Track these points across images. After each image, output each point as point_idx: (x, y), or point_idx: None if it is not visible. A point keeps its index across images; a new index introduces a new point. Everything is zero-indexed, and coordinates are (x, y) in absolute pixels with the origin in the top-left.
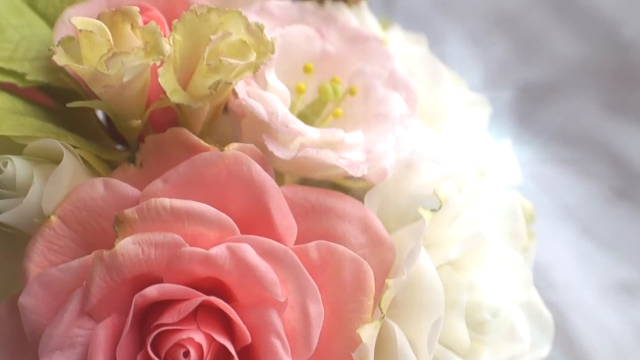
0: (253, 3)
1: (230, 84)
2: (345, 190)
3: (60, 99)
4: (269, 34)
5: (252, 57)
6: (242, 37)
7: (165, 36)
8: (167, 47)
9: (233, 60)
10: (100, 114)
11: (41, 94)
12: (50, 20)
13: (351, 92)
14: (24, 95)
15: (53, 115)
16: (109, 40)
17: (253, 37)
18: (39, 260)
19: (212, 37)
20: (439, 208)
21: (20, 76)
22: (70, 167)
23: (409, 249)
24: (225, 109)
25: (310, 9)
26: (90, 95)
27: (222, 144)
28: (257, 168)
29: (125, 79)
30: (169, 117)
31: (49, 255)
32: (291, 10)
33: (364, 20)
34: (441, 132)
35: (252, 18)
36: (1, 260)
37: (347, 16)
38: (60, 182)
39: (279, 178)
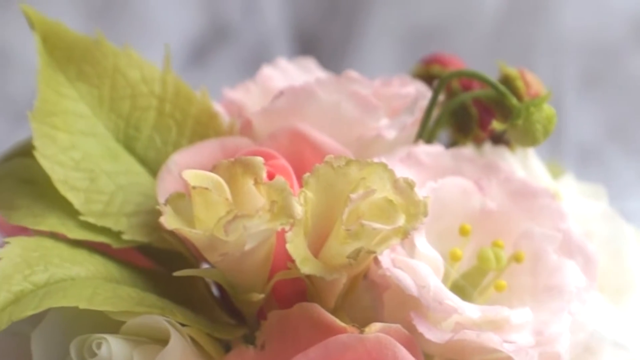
0: (396, 149)
1: (374, 252)
2: None
3: (163, 262)
4: (418, 188)
5: (401, 220)
6: (388, 195)
7: (294, 193)
8: (299, 209)
9: (378, 225)
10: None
11: (138, 255)
12: (151, 166)
13: (517, 259)
14: (119, 257)
15: (154, 282)
16: (227, 199)
17: (401, 195)
18: None
19: (352, 195)
20: None
21: (116, 235)
22: (178, 349)
23: None
24: (364, 277)
25: (467, 155)
26: (199, 258)
27: (360, 322)
28: (404, 353)
29: (247, 247)
30: (296, 290)
31: None
32: (444, 157)
33: (530, 167)
34: (626, 308)
35: (397, 167)
36: None
37: (511, 164)
38: None
39: None
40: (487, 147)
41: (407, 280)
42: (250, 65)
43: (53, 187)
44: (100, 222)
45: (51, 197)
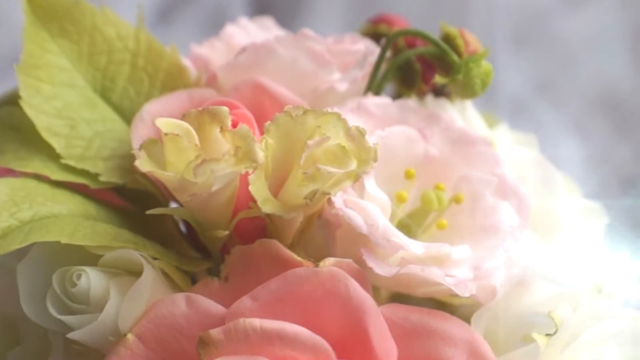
0: (347, 100)
1: (328, 193)
2: (448, 307)
3: (135, 202)
4: (368, 136)
5: (353, 165)
6: (341, 142)
7: (256, 140)
8: (260, 154)
9: (332, 169)
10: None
11: (114, 195)
12: (126, 115)
13: (456, 200)
14: (97, 197)
15: (128, 220)
16: (196, 145)
17: (353, 142)
18: None
19: (308, 142)
20: (554, 332)
21: (93, 176)
22: (150, 280)
23: None
24: (319, 217)
25: (412, 106)
26: (168, 197)
27: (315, 258)
28: (355, 286)
29: (214, 188)
30: (257, 227)
31: None
32: (391, 108)
33: (468, 117)
34: (555, 245)
35: (349, 117)
36: None
37: (451, 114)
38: (139, 297)
39: (375, 293)
40: (429, 99)
41: (357, 219)
42: (211, 25)
43: (37, 133)
44: (79, 165)
45: (35, 143)
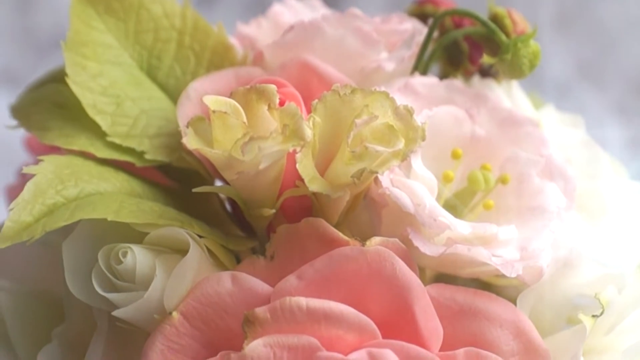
0: (394, 80)
1: (375, 172)
2: (493, 288)
3: (181, 181)
4: (415, 115)
5: (400, 144)
6: (389, 121)
7: (304, 118)
8: (308, 132)
9: (380, 148)
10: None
11: (159, 174)
12: (171, 93)
13: (503, 180)
14: (142, 175)
15: (173, 198)
16: (244, 123)
17: (401, 121)
18: None
19: (356, 121)
20: (600, 313)
21: (139, 154)
22: (195, 258)
23: (566, 358)
24: (364, 196)
25: (459, 86)
26: (214, 175)
27: (360, 236)
28: (401, 265)
29: (261, 166)
30: (303, 206)
31: (168, 355)
32: (438, 88)
33: (515, 98)
34: (601, 226)
35: (396, 96)
36: None
37: (498, 94)
38: (184, 275)
39: (420, 273)
40: (476, 79)
41: (404, 199)
42: (254, 5)
43: (83, 110)
44: (125, 143)
45: (81, 120)
